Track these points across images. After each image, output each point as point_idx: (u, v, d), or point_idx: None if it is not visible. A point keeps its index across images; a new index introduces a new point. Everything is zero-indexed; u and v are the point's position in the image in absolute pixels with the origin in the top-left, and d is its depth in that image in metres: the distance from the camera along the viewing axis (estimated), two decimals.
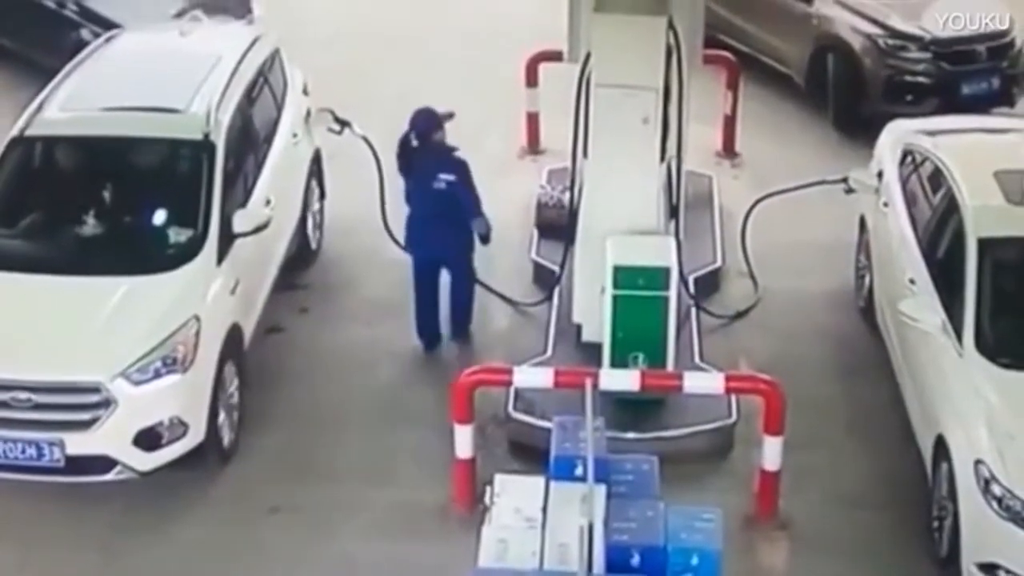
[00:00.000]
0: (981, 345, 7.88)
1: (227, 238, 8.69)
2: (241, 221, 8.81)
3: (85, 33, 12.97)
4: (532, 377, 8.27)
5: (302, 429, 8.91)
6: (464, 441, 8.08)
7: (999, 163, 9.00)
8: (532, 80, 12.08)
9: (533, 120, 12.24)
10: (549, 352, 9.22)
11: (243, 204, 9.11)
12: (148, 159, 9.29)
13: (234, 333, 8.57)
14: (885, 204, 9.66)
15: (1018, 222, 8.44)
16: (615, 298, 8.56)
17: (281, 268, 9.85)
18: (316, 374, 9.44)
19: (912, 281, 8.75)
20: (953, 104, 12.14)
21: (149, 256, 8.58)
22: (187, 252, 8.53)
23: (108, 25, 12.86)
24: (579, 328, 9.31)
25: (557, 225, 10.27)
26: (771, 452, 7.99)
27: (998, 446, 7.34)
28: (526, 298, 10.08)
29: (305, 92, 10.94)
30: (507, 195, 11.05)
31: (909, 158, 9.70)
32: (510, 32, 13.67)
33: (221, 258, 8.61)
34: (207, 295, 8.40)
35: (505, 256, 10.51)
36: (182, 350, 8.00)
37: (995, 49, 12.67)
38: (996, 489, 7.22)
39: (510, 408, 8.68)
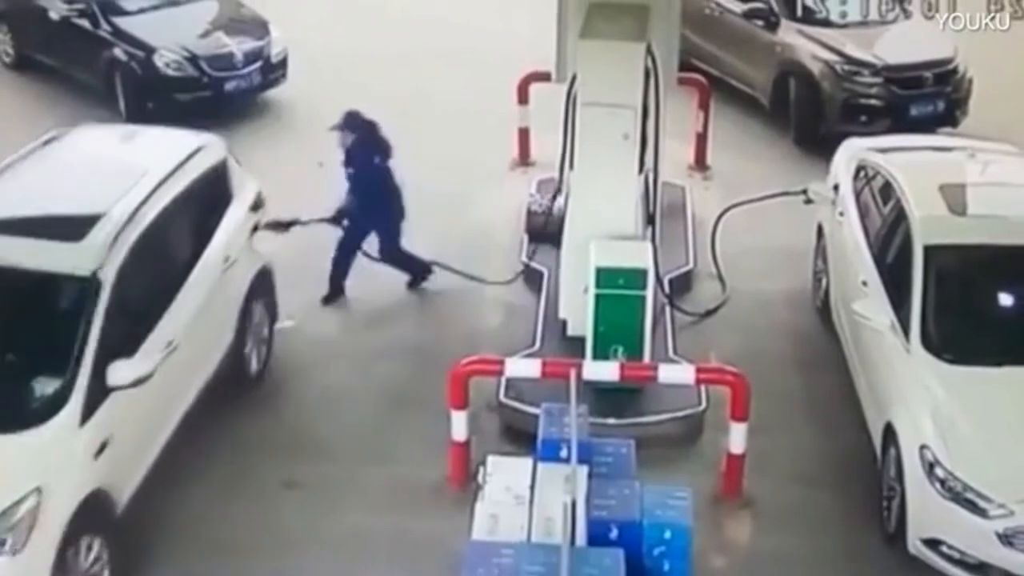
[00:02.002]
0: (926, 342, 7.89)
1: (99, 392, 6.96)
2: (117, 373, 7.04)
3: (118, 52, 12.96)
4: (522, 368, 8.26)
5: (313, 413, 8.90)
6: (459, 425, 8.07)
7: (944, 178, 9.01)
8: (523, 98, 12.06)
9: (524, 135, 12.22)
10: (537, 345, 9.20)
11: (132, 350, 7.29)
12: (29, 294, 7.35)
13: (95, 501, 6.81)
14: (841, 214, 9.67)
15: (960, 231, 8.44)
16: (597, 296, 8.54)
17: (193, 406, 8.14)
18: (326, 364, 9.42)
19: (864, 283, 8.74)
20: (902, 124, 12.15)
21: (4, 411, 6.86)
22: (49, 408, 6.83)
23: (139, 45, 12.90)
24: (564, 323, 9.30)
25: (545, 231, 10.27)
26: (737, 437, 7.99)
27: (941, 433, 7.36)
28: (518, 299, 10.04)
29: (256, 206, 9.22)
30: (500, 203, 11.05)
31: (862, 172, 9.70)
32: (501, 54, 13.65)
33: (88, 415, 6.89)
34: (58, 463, 6.68)
35: (497, 258, 10.51)
36: (15, 529, 6.38)
37: (940, 75, 12.70)
38: (939, 472, 7.24)
39: (502, 396, 8.67)
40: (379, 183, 9.72)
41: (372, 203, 9.72)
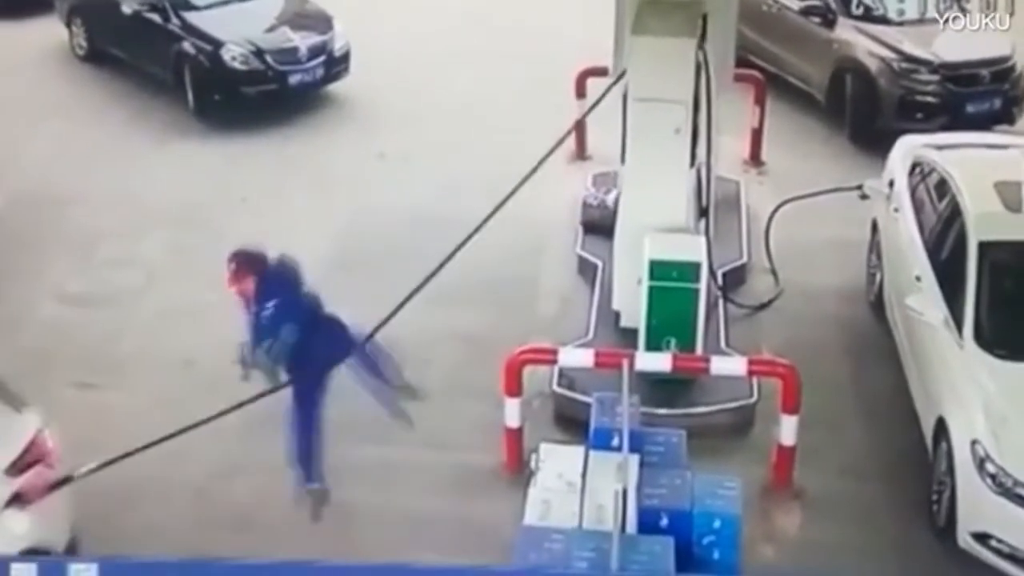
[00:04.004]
0: (979, 337, 7.80)
1: None
2: None
3: (187, 46, 13.09)
4: (575, 357, 8.27)
5: (371, 398, 8.94)
6: (513, 412, 8.09)
7: (999, 175, 8.89)
8: (581, 92, 11.99)
9: (581, 129, 12.19)
10: (591, 335, 9.18)
11: None
12: None
13: None
14: (895, 209, 9.56)
15: (1015, 227, 8.35)
16: (651, 289, 8.51)
17: None
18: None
19: (918, 279, 8.66)
20: (959, 122, 11.98)
21: None
22: None
23: (207, 39, 13.03)
24: (617, 315, 9.28)
25: (600, 223, 10.24)
26: (787, 429, 7.94)
27: (993, 428, 7.28)
28: (572, 290, 9.97)
29: (21, 466, 6.66)
30: (556, 196, 11.02)
31: (918, 169, 9.59)
32: (559, 51, 13.60)
33: None
34: None
35: (553, 250, 10.49)
36: None
37: (998, 73, 12.51)
38: (990, 467, 7.16)
39: (555, 385, 8.67)
40: (312, 310, 7.56)
41: (313, 336, 7.41)
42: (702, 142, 9.31)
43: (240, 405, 7.49)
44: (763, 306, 9.94)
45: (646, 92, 8.75)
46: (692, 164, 9.10)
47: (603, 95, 9.61)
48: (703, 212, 9.44)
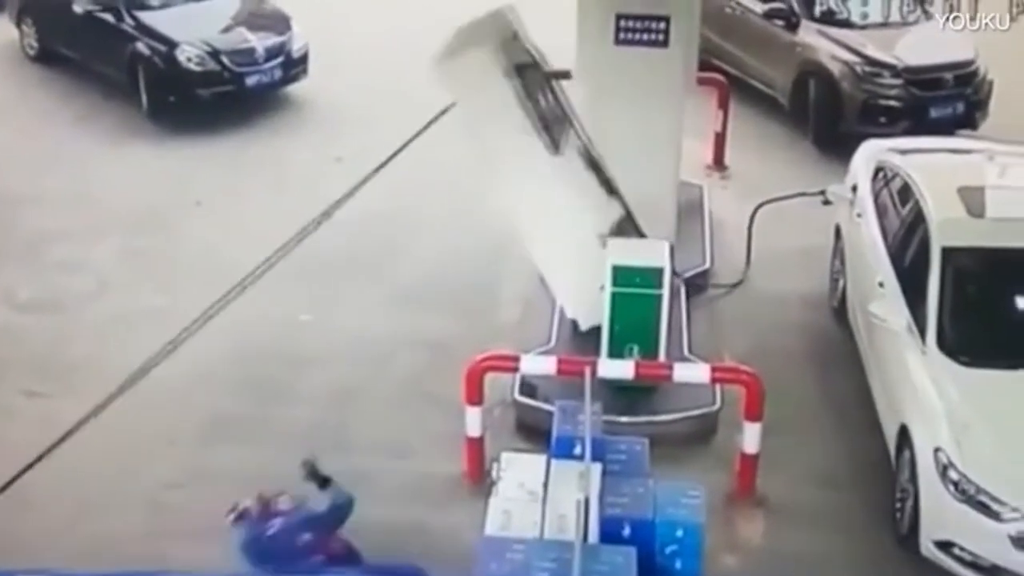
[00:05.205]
0: (942, 344, 7.86)
1: None
2: None
3: (140, 46, 13.02)
4: (537, 365, 8.27)
5: (330, 406, 8.91)
6: (474, 421, 8.07)
7: (962, 180, 8.97)
8: None
9: None
10: (553, 342, 9.20)
11: None
12: None
13: None
14: (858, 215, 9.64)
15: (978, 233, 8.42)
16: (613, 295, 8.51)
17: None
18: (343, 356, 9.44)
19: (881, 284, 8.72)
20: (922, 126, 12.09)
21: None
22: None
23: (161, 39, 12.95)
24: (575, 322, 9.28)
25: None
26: (750, 436, 7.98)
27: (955, 436, 7.33)
28: (535, 296, 10.00)
29: None
30: None
31: (881, 174, 9.67)
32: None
33: None
34: None
35: (515, 256, 10.48)
36: None
37: (961, 77, 12.65)
38: (953, 474, 7.22)
39: (516, 393, 8.67)
40: None
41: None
42: (569, 128, 9.13)
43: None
44: (735, 286, 10.08)
45: (474, 110, 8.60)
46: (557, 151, 8.85)
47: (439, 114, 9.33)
48: (611, 188, 9.26)
